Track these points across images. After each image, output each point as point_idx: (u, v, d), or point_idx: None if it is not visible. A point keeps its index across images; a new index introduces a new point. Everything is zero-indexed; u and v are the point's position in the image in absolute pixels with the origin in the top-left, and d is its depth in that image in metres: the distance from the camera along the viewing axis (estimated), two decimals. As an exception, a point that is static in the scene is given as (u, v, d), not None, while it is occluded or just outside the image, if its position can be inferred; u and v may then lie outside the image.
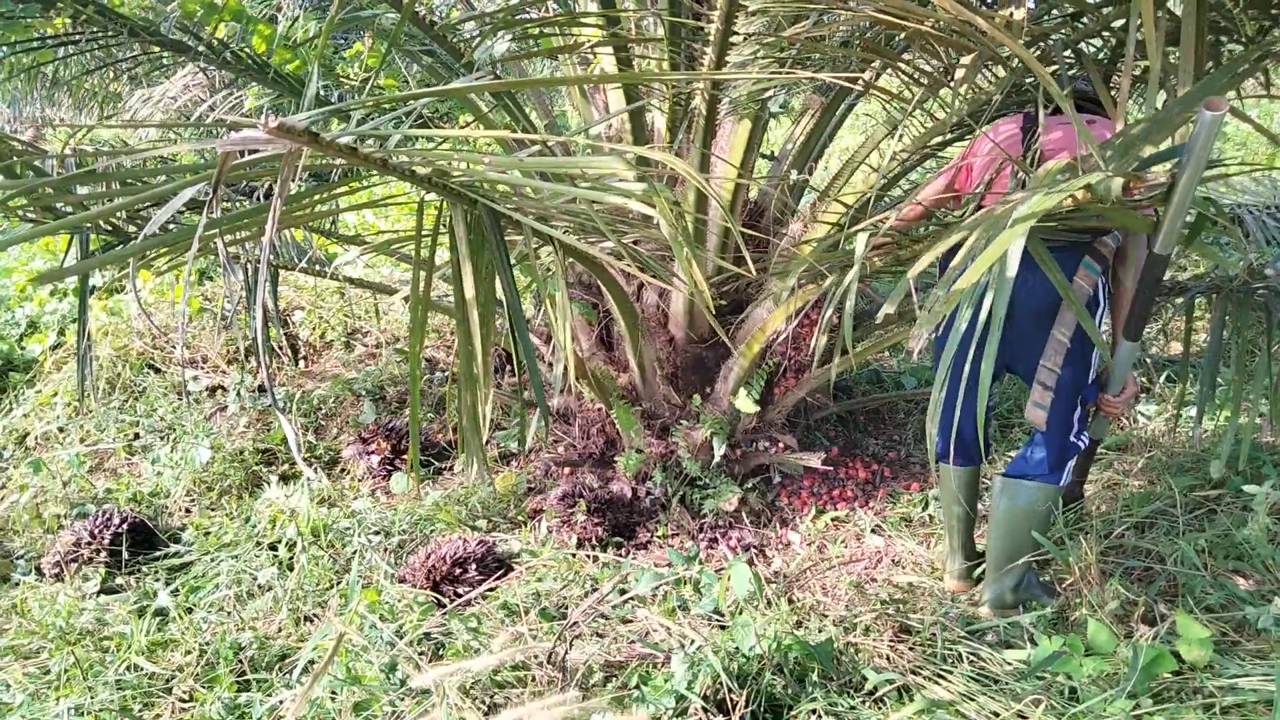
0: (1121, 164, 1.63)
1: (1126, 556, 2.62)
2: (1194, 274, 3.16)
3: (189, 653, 2.26)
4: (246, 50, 3.28)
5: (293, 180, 1.37)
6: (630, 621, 2.37)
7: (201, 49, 3.12)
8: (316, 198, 1.89)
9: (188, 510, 3.14)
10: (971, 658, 2.11)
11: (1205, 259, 3.79)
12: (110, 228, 2.65)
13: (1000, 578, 2.41)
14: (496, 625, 2.34)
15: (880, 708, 1.94)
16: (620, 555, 2.86)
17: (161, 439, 3.53)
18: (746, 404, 3.02)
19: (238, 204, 3.14)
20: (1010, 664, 2.08)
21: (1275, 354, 2.53)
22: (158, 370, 4.05)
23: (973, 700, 1.90)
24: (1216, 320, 2.58)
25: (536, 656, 1.98)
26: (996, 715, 1.83)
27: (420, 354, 1.63)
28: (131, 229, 2.68)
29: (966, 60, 2.24)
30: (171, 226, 2.59)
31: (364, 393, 3.83)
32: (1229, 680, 1.93)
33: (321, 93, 3.75)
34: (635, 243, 2.17)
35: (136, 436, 3.60)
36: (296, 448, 1.19)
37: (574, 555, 2.77)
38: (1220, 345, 2.57)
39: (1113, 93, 2.17)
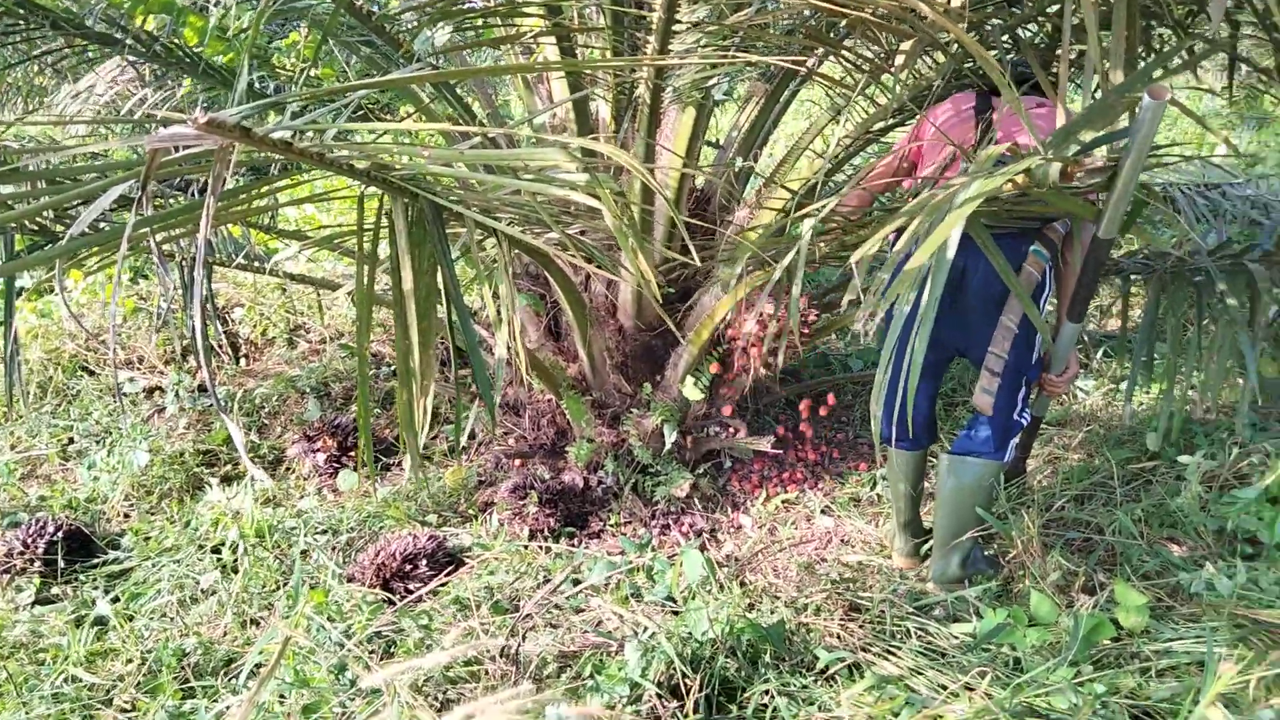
0: (1060, 149, 1.67)
1: (1067, 528, 2.70)
2: (1128, 252, 3.24)
3: (130, 661, 2.20)
4: (177, 42, 3.19)
5: (227, 176, 1.34)
6: (583, 611, 2.38)
7: (129, 42, 3.02)
8: (254, 193, 1.85)
9: (126, 515, 3.05)
10: (920, 633, 2.15)
11: (1139, 238, 3.90)
12: (37, 227, 2.56)
13: (947, 553, 2.46)
14: (448, 621, 2.32)
15: (832, 686, 1.97)
16: (573, 545, 2.86)
17: (97, 443, 3.43)
18: (693, 392, 3.03)
19: (172, 201, 3.05)
20: (957, 637, 2.13)
21: (1206, 329, 2.62)
22: (92, 373, 3.94)
23: (921, 674, 1.94)
24: (1151, 298, 2.66)
25: (489, 651, 1.97)
26: (944, 688, 1.87)
27: (367, 349, 1.61)
28: (59, 228, 2.59)
29: (907, 46, 2.27)
30: (103, 225, 2.51)
31: (308, 390, 3.76)
32: (1164, 644, 1.99)
33: (256, 85, 3.66)
34: (581, 233, 2.17)
35: (70, 441, 3.49)
36: (242, 447, 1.17)
37: (526, 547, 2.76)
38: (1154, 322, 2.65)
39: (1052, 78, 2.22)
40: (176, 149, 1.51)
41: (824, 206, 2.02)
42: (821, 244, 2.43)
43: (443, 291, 1.62)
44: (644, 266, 1.27)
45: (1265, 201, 3.92)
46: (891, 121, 2.99)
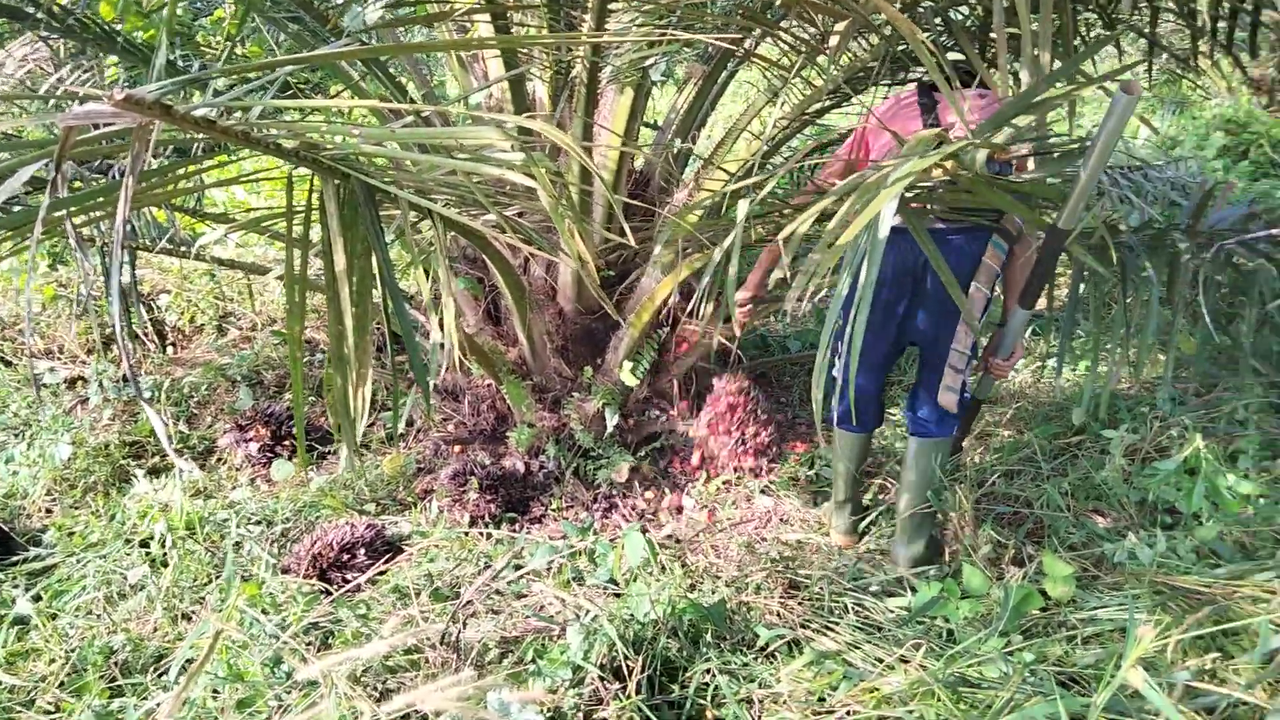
0: (989, 136, 1.70)
1: (997, 502, 2.77)
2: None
3: (53, 661, 2.13)
4: (92, 17, 3.05)
5: (147, 156, 1.29)
6: (525, 596, 2.37)
7: (41, 16, 2.88)
8: (178, 173, 1.78)
9: (48, 511, 2.95)
10: (857, 608, 2.20)
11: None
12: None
13: (915, 536, 2.51)
14: (388, 610, 2.29)
15: (772, 663, 2.00)
16: (514, 531, 2.84)
17: (16, 436, 3.30)
18: (630, 378, 3.03)
19: (92, 182, 2.93)
20: (892, 611, 2.18)
21: (1129, 306, 2.70)
22: (8, 363, 3.78)
23: (858, 648, 1.98)
24: (1075, 276, 2.73)
25: (429, 638, 1.95)
26: (880, 661, 1.91)
27: (300, 336, 1.57)
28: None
29: (841, 28, 2.29)
30: (17, 208, 2.39)
31: (239, 378, 3.67)
32: (1089, 612, 2.07)
33: (180, 63, 3.53)
34: (519, 215, 2.14)
35: (-13, 434, 3.36)
36: (166, 438, 1.13)
37: (467, 534, 2.74)
38: (1078, 299, 2.73)
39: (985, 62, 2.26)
40: (94, 127, 1.46)
41: (761, 189, 2.03)
42: (758, 226, 2.45)
43: (377, 275, 1.59)
44: (581, 248, 1.26)
45: (1184, 183, 4.06)
46: (828, 103, 3.02)
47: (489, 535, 2.76)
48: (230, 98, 1.41)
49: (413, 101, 3.18)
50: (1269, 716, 1.51)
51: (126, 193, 1.28)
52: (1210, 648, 1.81)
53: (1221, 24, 2.58)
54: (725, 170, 2.78)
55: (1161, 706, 1.33)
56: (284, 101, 1.52)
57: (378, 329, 1.85)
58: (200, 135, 1.41)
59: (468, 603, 2.16)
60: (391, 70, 3.15)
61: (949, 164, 1.70)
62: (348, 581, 2.44)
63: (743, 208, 1.88)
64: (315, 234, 1.66)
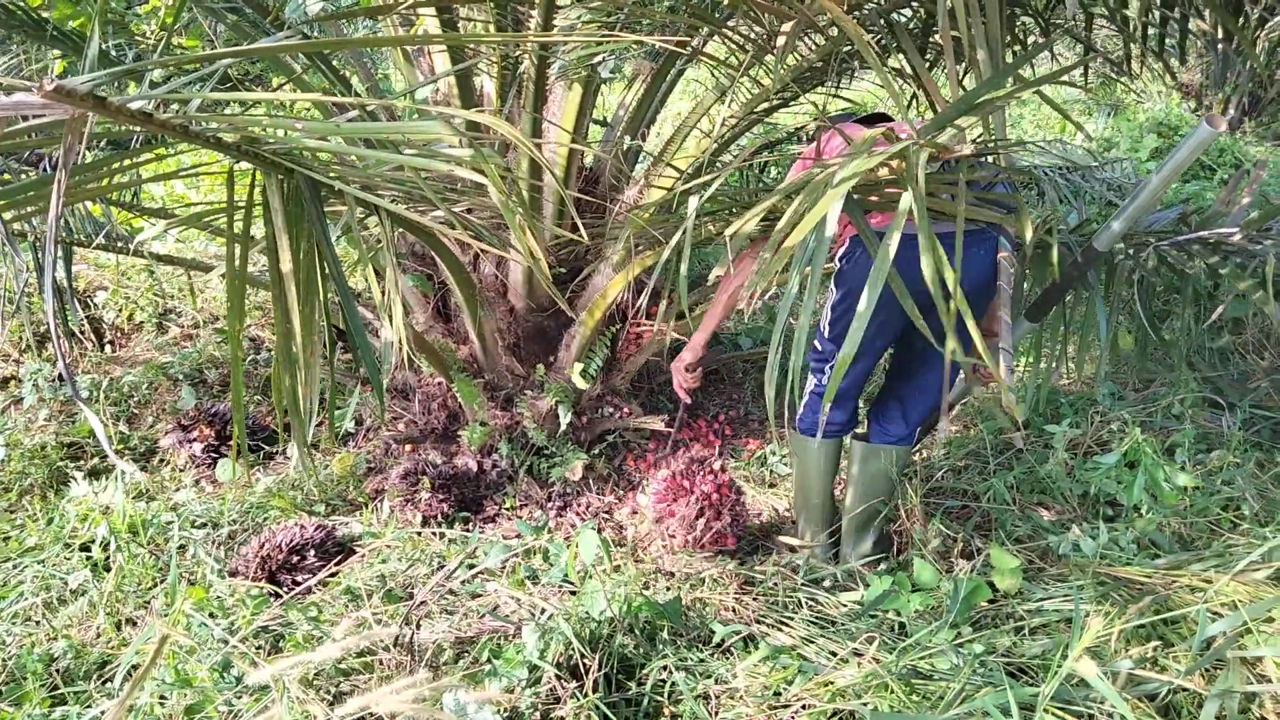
0: (931, 136, 1.72)
1: (946, 497, 2.82)
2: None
3: (-11, 670, 2.06)
4: (18, 4, 2.94)
5: (80, 149, 1.25)
6: (480, 596, 2.35)
7: (-40, 2, 2.77)
8: (113, 167, 1.73)
9: (-19, 515, 2.84)
10: (810, 603, 2.22)
11: (1007, 222, 4.09)
12: None
13: (864, 533, 2.52)
14: (339, 612, 2.26)
15: (728, 658, 2.01)
16: (468, 530, 2.82)
17: (-55, 438, 3.18)
18: (580, 380, 3.02)
19: (23, 175, 2.83)
20: (845, 605, 2.20)
21: (1068, 305, 2.77)
22: (-65, 363, 3.64)
23: (813, 643, 2.00)
24: (1017, 276, 2.79)
25: (383, 640, 1.92)
26: (834, 654, 1.94)
27: (240, 334, 1.53)
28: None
29: (787, 28, 2.30)
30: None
31: (181, 377, 3.58)
32: (1036, 604, 2.11)
33: (114, 53, 3.42)
34: (468, 211, 2.12)
35: (-86, 437, 3.22)
36: (106, 440, 1.09)
37: (419, 534, 2.70)
38: (1020, 298, 2.78)
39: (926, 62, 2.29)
40: (23, 119, 1.40)
41: (710, 186, 2.03)
42: (709, 224, 2.45)
43: (324, 273, 1.56)
44: (532, 244, 1.24)
45: (1119, 183, 4.17)
46: (775, 103, 3.04)
47: (442, 535, 2.73)
48: (168, 89, 1.37)
49: (357, 95, 3.13)
50: (1207, 701, 1.55)
51: (60, 187, 1.24)
52: (1151, 636, 1.87)
53: (1152, 30, 2.65)
54: (675, 168, 2.78)
55: (1107, 695, 1.37)
56: (225, 94, 1.48)
57: (326, 327, 1.82)
58: (137, 129, 1.37)
59: (421, 603, 2.14)
60: (335, 64, 3.09)
61: (895, 163, 1.72)
62: (298, 584, 2.40)
63: (693, 204, 1.88)
64: (259, 230, 1.62)
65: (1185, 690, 1.69)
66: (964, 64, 1.92)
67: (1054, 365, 2.94)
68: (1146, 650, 1.78)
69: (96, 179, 1.80)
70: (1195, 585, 1.99)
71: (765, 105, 2.89)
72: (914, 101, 3.08)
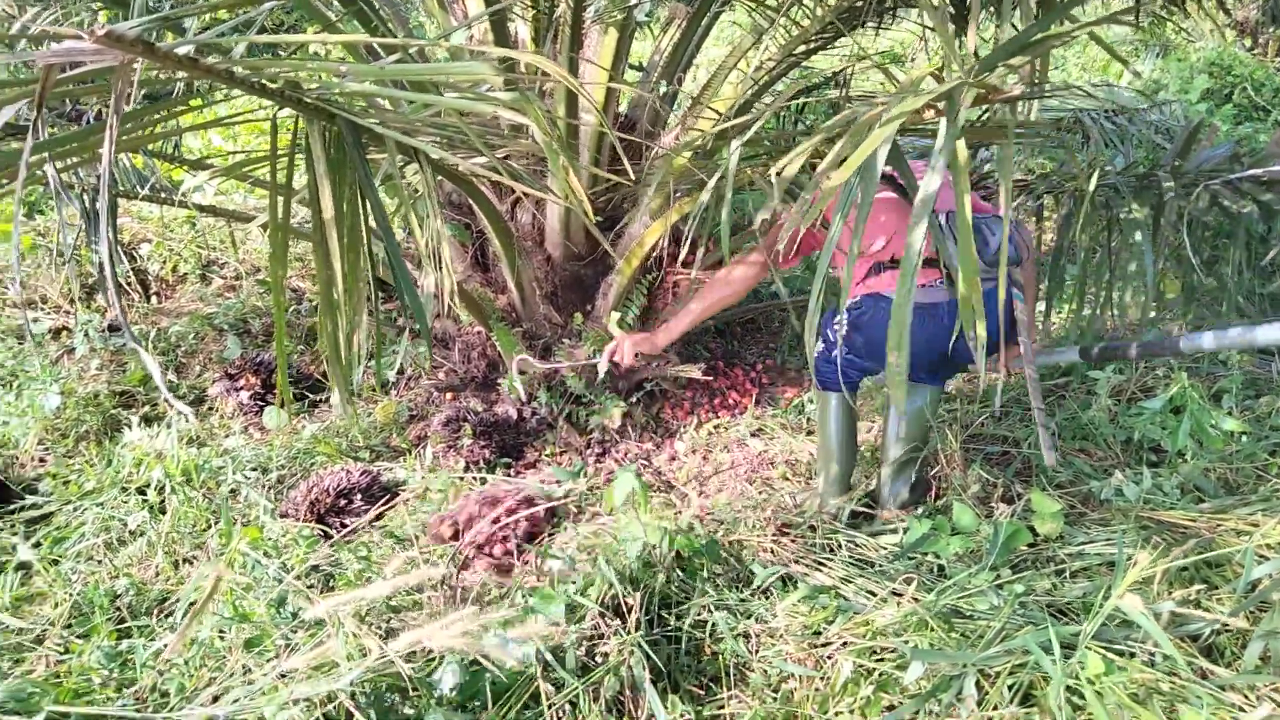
0: (982, 76, 1.69)
1: (986, 443, 2.81)
2: (1041, 175, 3.33)
3: (59, 605, 2.15)
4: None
5: (130, 95, 1.26)
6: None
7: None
8: (158, 115, 1.75)
9: (41, 460, 2.94)
10: (849, 545, 2.23)
11: (1050, 161, 4.01)
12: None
13: (901, 479, 2.48)
14: (387, 553, 2.32)
15: (767, 598, 2.03)
16: (509, 476, 2.87)
17: (3, 387, 3.27)
18: (617, 330, 3.02)
19: (63, 129, 2.87)
20: (884, 548, 2.22)
21: (1114, 249, 2.72)
22: (-10, 314, 3.74)
23: (851, 583, 2.02)
24: (1063, 219, 2.74)
25: (430, 580, 1.98)
26: (873, 594, 1.96)
27: (283, 283, 1.56)
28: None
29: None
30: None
31: (226, 327, 3.64)
32: (1077, 548, 2.11)
33: (152, 3, 3.43)
34: (505, 157, 2.12)
35: (-27, 386, 3.33)
36: (161, 383, 1.13)
37: (462, 479, 2.75)
38: (1065, 242, 2.74)
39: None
40: (70, 67, 1.42)
41: (750, 129, 2.01)
42: (746, 168, 2.43)
43: (366, 220, 1.57)
44: (575, 184, 1.25)
45: (1167, 126, 4.06)
46: (814, 44, 2.98)
47: (483, 480, 2.78)
48: (213, 34, 1.38)
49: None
50: (1251, 642, 1.55)
51: (111, 134, 1.26)
52: (1195, 579, 1.86)
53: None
54: (715, 110, 2.75)
55: (1152, 631, 1.37)
56: (270, 38, 1.49)
57: (371, 276, 1.84)
58: (182, 75, 1.38)
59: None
60: (370, 10, 3.08)
61: (940, 105, 1.69)
62: (345, 526, 2.46)
63: (734, 147, 1.86)
64: (300, 181, 1.64)
65: (1228, 631, 1.69)
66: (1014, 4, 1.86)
67: (1098, 311, 2.90)
68: (1190, 592, 1.78)
69: (142, 128, 1.82)
70: (1241, 529, 1.98)
71: (804, 48, 2.84)
72: (960, 41, 3.01)
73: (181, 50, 1.26)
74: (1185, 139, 2.74)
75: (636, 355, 2.56)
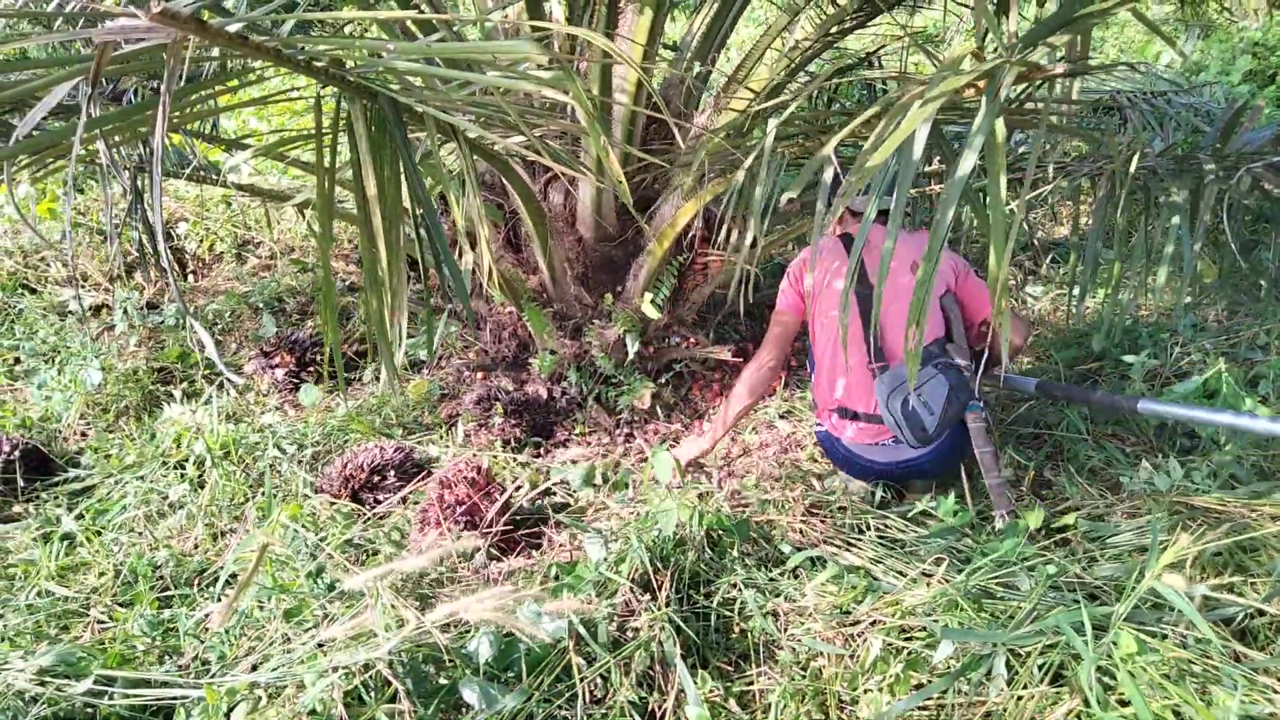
0: (1023, 54, 1.67)
1: (1019, 425, 2.80)
2: (1077, 156, 3.29)
3: (103, 574, 2.20)
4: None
5: (182, 71, 1.29)
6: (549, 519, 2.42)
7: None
8: (204, 94, 1.78)
9: (83, 434, 3.01)
10: (879, 526, 2.24)
11: (1088, 144, 3.95)
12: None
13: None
14: (421, 528, 2.35)
15: (796, 578, 2.05)
16: (539, 454, 2.89)
17: (46, 362, 3.35)
18: (650, 309, 3.04)
19: (103, 108, 2.91)
20: (915, 530, 2.22)
21: (1150, 232, 2.68)
22: (33, 290, 3.81)
23: (881, 563, 2.03)
24: (1100, 201, 2.71)
25: (464, 553, 2.01)
26: (902, 575, 1.96)
27: (329, 262, 1.58)
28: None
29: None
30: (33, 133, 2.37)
31: (261, 305, 3.70)
32: (1109, 534, 2.10)
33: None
34: (540, 136, 2.13)
35: (17, 361, 3.40)
36: (217, 357, 1.16)
37: (495, 457, 2.78)
38: (1102, 225, 2.71)
39: None
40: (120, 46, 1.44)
41: (786, 109, 2.01)
42: (781, 149, 2.42)
43: (412, 196, 1.59)
44: (614, 164, 1.26)
45: (1208, 108, 3.99)
46: (850, 24, 2.96)
47: (515, 459, 2.81)
48: (265, 10, 1.40)
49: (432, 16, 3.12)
50: (1286, 625, 1.55)
51: (164, 111, 1.29)
52: (1229, 564, 1.85)
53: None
54: (751, 89, 2.74)
55: (1187, 612, 1.37)
56: (317, 14, 1.51)
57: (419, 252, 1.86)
58: (232, 52, 1.40)
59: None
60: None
61: (981, 84, 1.68)
62: (379, 502, 2.50)
63: (771, 126, 1.87)
64: (340, 159, 1.65)
65: (1263, 615, 1.68)
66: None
67: (1132, 295, 2.87)
68: (1224, 578, 1.77)
69: (186, 107, 1.85)
70: (1277, 514, 1.96)
71: (839, 27, 2.83)
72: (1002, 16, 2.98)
73: (232, 28, 1.28)
74: (1228, 121, 2.70)
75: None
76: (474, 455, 2.75)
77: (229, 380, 3.05)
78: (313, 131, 1.65)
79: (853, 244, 2.26)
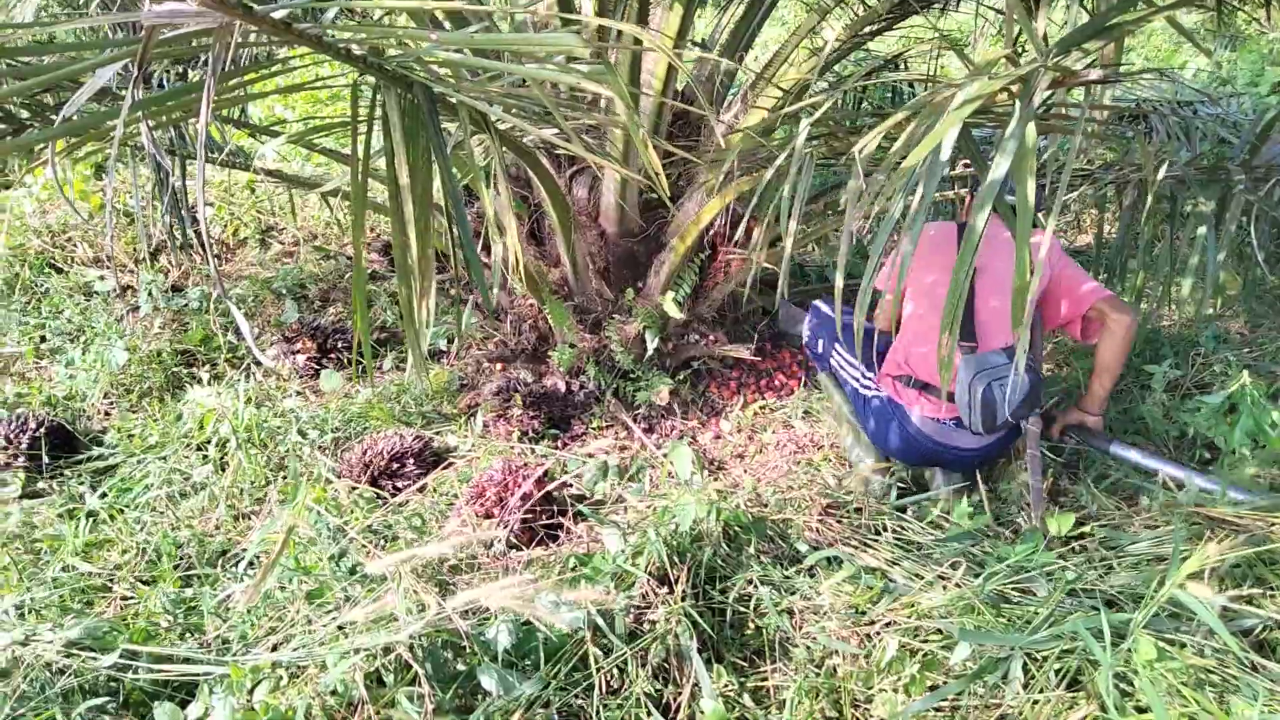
0: (1057, 59, 1.67)
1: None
2: (1102, 164, 3.28)
3: (126, 552, 2.23)
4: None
5: (227, 57, 1.31)
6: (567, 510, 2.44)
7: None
8: (244, 80, 1.80)
9: (107, 413, 3.04)
10: (896, 528, 2.25)
11: (1113, 151, 3.93)
12: (1, 114, 2.46)
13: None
14: (440, 517, 2.38)
15: (812, 576, 2.06)
16: (556, 447, 2.91)
17: (71, 341, 3.39)
18: (672, 308, 3.04)
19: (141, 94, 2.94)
20: (932, 532, 2.23)
21: (1175, 242, 2.67)
22: (60, 270, 3.85)
23: (898, 565, 2.03)
24: (1126, 209, 2.71)
25: (484, 542, 2.02)
26: (919, 577, 1.97)
27: (362, 250, 1.60)
28: (24, 115, 2.50)
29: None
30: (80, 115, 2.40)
31: (284, 291, 3.72)
32: (1127, 542, 2.10)
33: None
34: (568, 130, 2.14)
35: (43, 339, 3.44)
36: (249, 333, 1.17)
37: (513, 448, 2.80)
38: (1129, 233, 2.70)
39: None
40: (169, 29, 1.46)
41: (817, 109, 2.01)
42: (809, 149, 2.43)
43: (443, 185, 1.61)
44: (654, 157, 1.27)
45: (1235, 120, 3.96)
46: (880, 25, 2.96)
47: (533, 450, 2.83)
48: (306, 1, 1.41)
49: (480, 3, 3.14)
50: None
51: (209, 95, 1.30)
52: (1248, 576, 1.85)
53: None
54: (780, 87, 2.74)
55: (1209, 620, 1.38)
56: (352, 2, 1.52)
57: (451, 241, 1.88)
58: (275, 38, 1.42)
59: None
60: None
61: (1014, 88, 1.68)
62: (398, 490, 2.52)
63: (804, 126, 1.87)
64: (372, 147, 1.67)
65: (1281, 628, 1.68)
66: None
67: (1155, 306, 2.86)
68: (1243, 590, 1.77)
69: (225, 91, 1.87)
70: (1297, 527, 1.96)
71: (870, 28, 2.83)
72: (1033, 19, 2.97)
73: (278, 14, 1.30)
74: (1260, 131, 2.69)
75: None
76: (507, 452, 2.77)
77: (262, 363, 3.08)
78: (342, 119, 1.67)
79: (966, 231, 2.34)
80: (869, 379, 2.63)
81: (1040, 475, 2.35)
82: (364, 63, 1.49)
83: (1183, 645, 1.56)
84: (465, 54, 1.73)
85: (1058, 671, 1.58)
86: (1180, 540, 1.93)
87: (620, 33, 2.53)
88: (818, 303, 3.12)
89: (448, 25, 2.93)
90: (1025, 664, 1.62)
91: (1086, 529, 2.18)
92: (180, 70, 3.16)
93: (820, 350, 2.91)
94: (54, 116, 2.53)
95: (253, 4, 1.23)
